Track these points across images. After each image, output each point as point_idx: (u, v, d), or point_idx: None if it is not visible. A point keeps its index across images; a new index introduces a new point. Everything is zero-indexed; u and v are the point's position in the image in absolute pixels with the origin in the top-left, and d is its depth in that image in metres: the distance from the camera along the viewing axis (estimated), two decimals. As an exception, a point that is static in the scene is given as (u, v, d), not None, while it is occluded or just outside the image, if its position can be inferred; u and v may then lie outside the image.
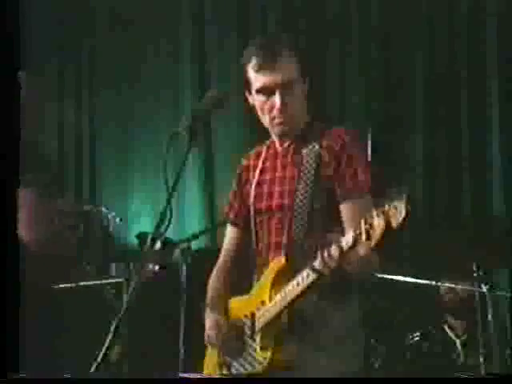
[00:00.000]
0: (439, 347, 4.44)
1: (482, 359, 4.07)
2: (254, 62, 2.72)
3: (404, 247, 4.91)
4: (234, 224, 2.96)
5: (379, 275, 4.27)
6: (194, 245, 4.95)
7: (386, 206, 2.24)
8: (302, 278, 2.53)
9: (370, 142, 4.45)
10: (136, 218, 5.92)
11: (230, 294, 2.89)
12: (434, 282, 4.48)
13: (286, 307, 2.60)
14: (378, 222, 2.26)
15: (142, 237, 5.22)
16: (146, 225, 5.69)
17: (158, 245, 4.85)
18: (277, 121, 2.74)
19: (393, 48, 5.49)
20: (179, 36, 6.10)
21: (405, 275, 4.42)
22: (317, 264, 2.48)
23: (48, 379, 3.03)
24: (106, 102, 6.24)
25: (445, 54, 5.37)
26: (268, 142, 2.91)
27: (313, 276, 2.50)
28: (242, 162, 2.97)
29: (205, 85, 5.84)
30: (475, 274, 4.15)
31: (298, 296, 2.56)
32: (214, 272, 2.97)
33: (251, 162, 2.92)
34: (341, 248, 2.41)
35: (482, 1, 5.28)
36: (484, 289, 4.11)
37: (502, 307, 4.48)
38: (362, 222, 2.31)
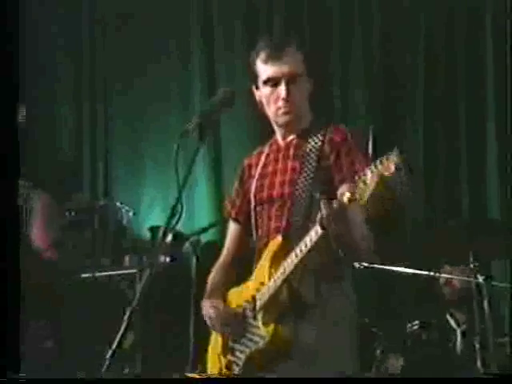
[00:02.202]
0: (438, 336, 4.50)
1: (477, 346, 4.17)
2: (262, 54, 2.83)
3: (403, 240, 5.02)
4: (236, 220, 3.03)
5: (378, 266, 4.40)
6: (204, 238, 5.08)
7: (378, 160, 2.31)
8: (301, 248, 2.61)
9: (371, 140, 4.53)
10: (148, 212, 6.01)
11: (229, 286, 2.93)
12: (432, 273, 4.62)
13: (286, 279, 2.66)
14: (372, 173, 2.31)
15: (153, 230, 5.36)
16: (157, 219, 5.77)
17: (169, 238, 4.98)
18: (282, 110, 2.81)
19: (394, 48, 5.60)
20: (189, 37, 6.20)
21: (404, 266, 4.54)
22: (318, 220, 2.52)
23: (48, 379, 3.03)
24: (119, 102, 6.36)
25: (444, 53, 5.49)
26: (270, 141, 2.99)
27: (317, 233, 2.53)
28: (244, 162, 3.04)
29: (214, 85, 5.93)
30: (472, 265, 4.21)
31: (297, 265, 2.62)
32: (216, 267, 3.03)
33: (253, 161, 3.01)
34: (339, 201, 2.43)
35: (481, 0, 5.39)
36: (480, 279, 4.17)
37: (498, 298, 4.59)
38: (356, 177, 2.36)
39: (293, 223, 2.76)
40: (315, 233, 2.56)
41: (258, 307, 2.76)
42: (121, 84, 6.40)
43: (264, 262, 2.79)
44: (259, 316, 2.75)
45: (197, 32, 6.18)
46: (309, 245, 2.59)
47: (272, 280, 2.71)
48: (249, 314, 2.80)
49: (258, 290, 2.77)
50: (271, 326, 2.70)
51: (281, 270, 2.68)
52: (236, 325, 2.82)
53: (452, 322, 4.62)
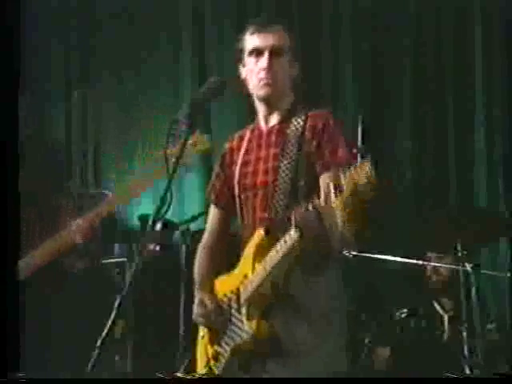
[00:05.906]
0: (426, 324, 4.54)
1: (465, 334, 4.19)
2: (251, 28, 2.88)
3: (391, 227, 5.06)
4: (215, 204, 3.03)
5: (367, 254, 4.44)
6: (193, 226, 5.11)
7: (352, 168, 2.35)
8: (281, 245, 2.61)
9: (360, 130, 4.57)
10: (138, 200, 6.04)
11: (215, 272, 2.95)
12: (420, 262, 4.68)
13: (268, 275, 2.66)
14: (345, 181, 2.36)
15: (143, 219, 5.36)
16: (147, 207, 5.68)
17: (159, 226, 5.00)
18: (263, 82, 2.81)
19: (382, 37, 5.65)
20: (180, 27, 6.23)
21: (392, 254, 4.59)
22: (292, 223, 2.54)
23: (48, 379, 3.01)
24: (109, 91, 6.38)
25: (432, 44, 5.55)
26: (252, 126, 2.99)
27: (293, 237, 2.56)
28: (226, 145, 3.03)
29: (204, 74, 5.96)
30: (459, 254, 4.23)
31: (279, 262, 2.63)
32: (199, 252, 3.03)
33: (234, 144, 3.00)
34: (314, 205, 2.48)
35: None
36: (468, 267, 4.20)
37: (484, 285, 4.64)
38: (331, 184, 2.40)
39: (275, 214, 2.75)
40: (291, 234, 2.57)
41: (242, 300, 2.76)
42: (111, 73, 6.40)
43: (248, 255, 2.79)
44: (243, 310, 2.75)
45: (187, 22, 6.20)
46: (286, 244, 2.60)
47: (255, 274, 2.72)
48: (233, 305, 2.81)
49: (242, 283, 2.78)
50: (254, 322, 2.71)
51: (263, 264, 2.69)
52: (222, 318, 2.83)
53: (439, 309, 4.67)
